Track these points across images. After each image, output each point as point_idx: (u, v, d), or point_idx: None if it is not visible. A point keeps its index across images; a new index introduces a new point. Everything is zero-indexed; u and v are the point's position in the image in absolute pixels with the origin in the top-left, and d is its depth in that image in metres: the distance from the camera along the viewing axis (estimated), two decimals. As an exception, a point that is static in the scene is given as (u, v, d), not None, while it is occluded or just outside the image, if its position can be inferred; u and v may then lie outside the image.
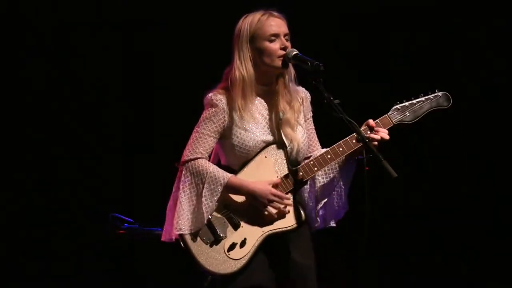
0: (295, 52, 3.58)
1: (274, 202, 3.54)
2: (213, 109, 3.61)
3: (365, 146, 3.48)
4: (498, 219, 5.97)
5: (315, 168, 3.60)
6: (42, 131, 5.90)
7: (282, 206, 3.55)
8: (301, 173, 3.60)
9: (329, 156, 3.60)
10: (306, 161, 3.64)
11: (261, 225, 3.57)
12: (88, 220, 5.78)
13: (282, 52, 3.59)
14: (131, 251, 5.42)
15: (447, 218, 5.99)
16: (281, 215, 3.57)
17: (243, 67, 3.60)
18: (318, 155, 3.61)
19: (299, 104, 3.71)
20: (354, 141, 3.58)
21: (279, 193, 3.55)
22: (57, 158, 5.92)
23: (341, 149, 3.60)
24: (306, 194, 3.70)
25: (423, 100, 3.69)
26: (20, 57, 5.88)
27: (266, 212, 3.56)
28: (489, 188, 5.98)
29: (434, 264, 6.01)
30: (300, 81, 3.73)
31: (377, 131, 3.58)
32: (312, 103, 3.78)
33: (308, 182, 3.66)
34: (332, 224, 3.72)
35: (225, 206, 3.59)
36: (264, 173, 3.60)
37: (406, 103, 3.67)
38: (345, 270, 5.86)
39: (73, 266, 5.84)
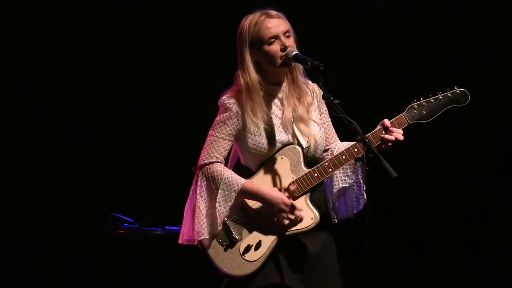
0: (295, 52, 3.57)
1: (285, 212, 3.54)
2: (227, 112, 3.62)
3: (365, 146, 3.47)
4: (498, 219, 5.96)
5: (330, 170, 3.60)
6: (42, 131, 5.90)
7: (292, 216, 3.55)
8: (316, 174, 3.60)
9: (343, 157, 3.60)
10: (324, 157, 3.66)
11: (276, 227, 3.58)
12: (88, 220, 5.78)
13: (283, 53, 3.58)
14: (131, 251, 5.41)
15: (447, 218, 5.98)
16: (295, 219, 3.57)
17: (246, 74, 3.61)
18: (333, 156, 3.61)
19: (310, 98, 3.70)
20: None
21: (290, 203, 3.55)
22: (57, 157, 5.92)
23: (355, 150, 3.60)
24: (324, 188, 3.69)
25: (440, 98, 3.61)
26: (19, 56, 5.88)
27: (276, 220, 3.57)
28: (489, 188, 5.97)
29: (434, 264, 6.01)
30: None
31: (392, 132, 3.57)
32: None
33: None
34: (351, 215, 3.72)
35: (241, 209, 3.61)
36: (280, 174, 3.61)
37: (423, 101, 3.61)
38: (346, 269, 5.85)
39: (73, 266, 5.83)
